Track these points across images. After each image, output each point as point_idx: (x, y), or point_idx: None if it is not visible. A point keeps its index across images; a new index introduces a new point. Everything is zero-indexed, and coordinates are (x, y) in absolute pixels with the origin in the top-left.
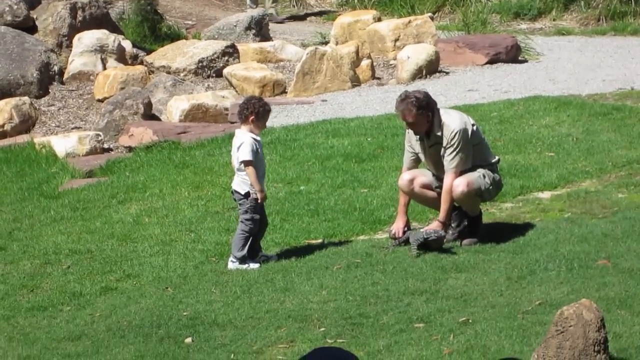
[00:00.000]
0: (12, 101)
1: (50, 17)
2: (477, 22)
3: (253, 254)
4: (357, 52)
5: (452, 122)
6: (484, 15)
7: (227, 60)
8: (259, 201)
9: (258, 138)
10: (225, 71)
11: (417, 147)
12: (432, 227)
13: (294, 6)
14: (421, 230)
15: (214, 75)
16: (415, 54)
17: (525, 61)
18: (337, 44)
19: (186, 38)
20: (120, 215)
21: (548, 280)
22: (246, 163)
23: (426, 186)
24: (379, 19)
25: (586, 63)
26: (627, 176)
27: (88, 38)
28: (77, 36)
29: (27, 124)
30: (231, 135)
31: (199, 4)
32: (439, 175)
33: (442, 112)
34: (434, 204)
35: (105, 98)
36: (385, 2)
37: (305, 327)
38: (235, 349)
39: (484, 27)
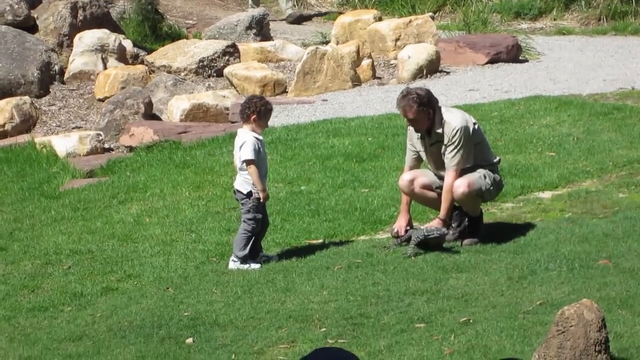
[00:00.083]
0: (13, 101)
1: (51, 17)
2: (478, 22)
3: (254, 254)
4: (357, 52)
5: (454, 120)
6: (484, 14)
7: (228, 60)
8: (261, 200)
9: (260, 137)
10: (226, 71)
11: (419, 145)
12: (433, 224)
13: (294, 5)
14: (422, 228)
15: (214, 74)
16: (416, 54)
17: (526, 61)
18: (337, 43)
19: (187, 37)
20: (121, 215)
21: (549, 280)
22: (248, 162)
23: (426, 187)
24: (380, 19)
25: (587, 63)
26: (628, 176)
27: (89, 37)
28: (77, 35)
29: (27, 123)
30: (232, 135)
31: (200, 3)
32: (439, 174)
33: (443, 109)
34: (435, 204)
35: (106, 97)
36: (386, 2)
37: (306, 328)
38: (236, 350)
39: (485, 26)
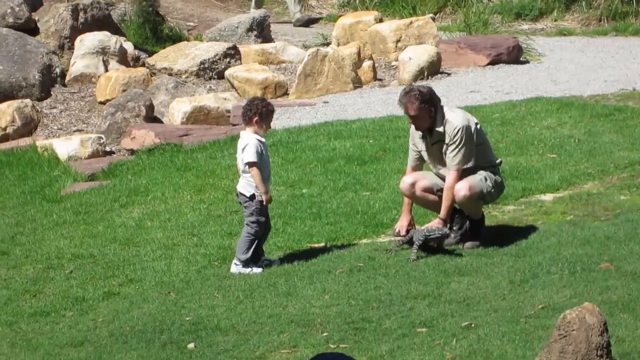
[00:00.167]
0: (14, 104)
1: (52, 19)
2: (479, 23)
3: (256, 257)
4: (358, 54)
5: (455, 119)
6: (485, 15)
7: (229, 62)
8: (264, 203)
9: (263, 140)
10: (227, 73)
11: (420, 145)
12: (434, 224)
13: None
14: (422, 228)
15: (215, 77)
16: (416, 55)
17: (527, 62)
18: (338, 45)
19: (188, 39)
20: (123, 219)
21: (551, 284)
22: (251, 164)
23: (428, 190)
24: (381, 20)
25: (588, 64)
26: (630, 178)
27: (90, 40)
28: (78, 38)
29: (29, 126)
30: (233, 138)
31: (201, 5)
32: (441, 173)
33: (445, 109)
34: (436, 207)
35: (107, 100)
36: (386, 3)
37: (308, 332)
38: (238, 354)
39: (486, 27)
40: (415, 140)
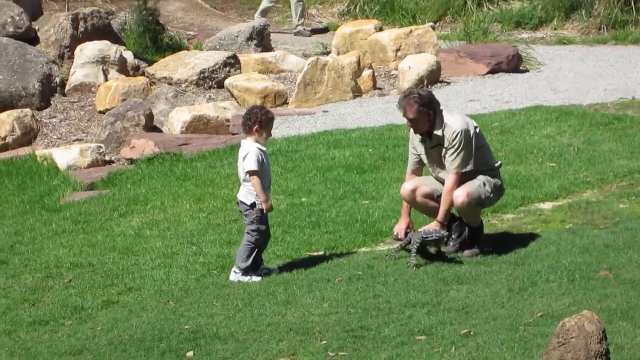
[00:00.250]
0: (14, 113)
1: (52, 28)
2: (479, 32)
3: (255, 266)
4: (358, 62)
5: (454, 123)
6: (485, 24)
7: (229, 71)
8: (265, 212)
9: (263, 148)
10: (226, 82)
11: (420, 148)
12: (431, 227)
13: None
14: (420, 230)
15: (215, 86)
16: (416, 64)
17: (527, 71)
18: (338, 54)
19: (188, 49)
20: (122, 228)
21: (550, 292)
22: (251, 173)
23: (428, 196)
24: (381, 29)
25: (587, 72)
26: (629, 186)
27: (90, 49)
28: (78, 47)
29: (28, 136)
30: (232, 147)
31: (201, 14)
32: (440, 177)
33: (444, 112)
34: (436, 213)
35: (107, 110)
36: (386, 12)
37: (307, 340)
38: None
39: (485, 36)
40: (415, 144)
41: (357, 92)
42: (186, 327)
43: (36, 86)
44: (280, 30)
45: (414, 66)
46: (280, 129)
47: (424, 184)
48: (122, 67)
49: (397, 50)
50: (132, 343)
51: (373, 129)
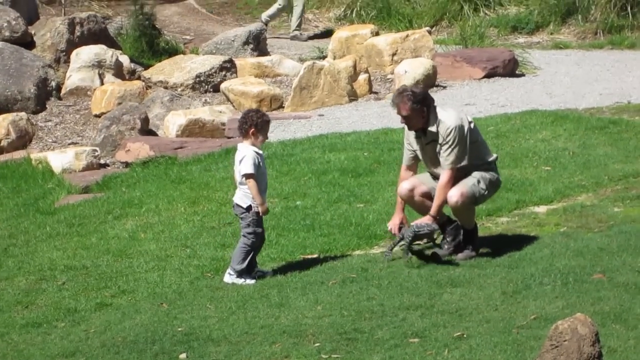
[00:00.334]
0: (9, 117)
1: (48, 33)
2: (475, 36)
3: (249, 268)
4: (354, 67)
5: (448, 119)
6: (481, 29)
7: (225, 75)
8: (261, 214)
9: (260, 152)
10: (222, 86)
11: (415, 145)
12: (423, 221)
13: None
14: (412, 224)
15: (211, 90)
16: (412, 69)
17: (523, 75)
18: (334, 58)
19: (184, 53)
20: (116, 230)
21: (543, 295)
22: (247, 176)
23: (425, 195)
24: (377, 33)
25: (583, 77)
26: (623, 190)
27: (86, 53)
28: (74, 51)
29: (24, 139)
30: (228, 150)
31: (197, 19)
32: (435, 173)
33: (438, 109)
34: None
35: (103, 113)
36: (383, 17)
37: (300, 343)
38: None
39: (482, 41)
40: (410, 140)
41: (353, 96)
42: (179, 329)
43: (32, 90)
44: (276, 35)
45: (410, 70)
46: (276, 133)
47: (422, 184)
48: (118, 71)
49: (394, 54)
50: (125, 345)
51: (368, 133)
